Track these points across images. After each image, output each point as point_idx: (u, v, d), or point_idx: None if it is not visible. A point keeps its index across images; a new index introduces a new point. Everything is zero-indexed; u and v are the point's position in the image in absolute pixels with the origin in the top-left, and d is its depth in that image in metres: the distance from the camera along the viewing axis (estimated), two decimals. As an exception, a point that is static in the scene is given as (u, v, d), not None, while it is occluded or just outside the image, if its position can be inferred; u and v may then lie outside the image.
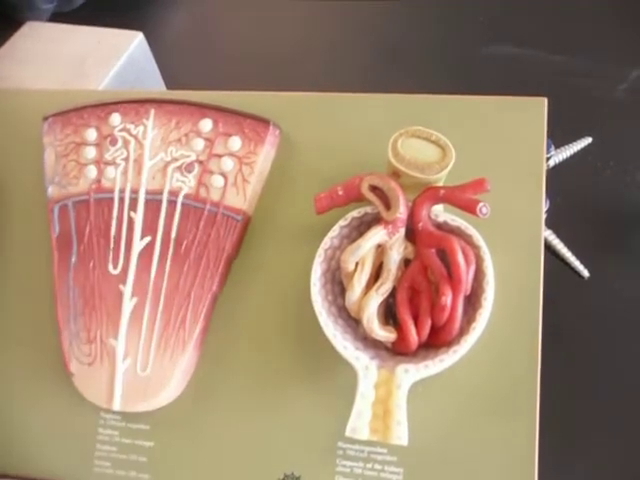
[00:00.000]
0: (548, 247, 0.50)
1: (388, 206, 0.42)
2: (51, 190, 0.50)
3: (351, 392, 0.41)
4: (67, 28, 0.61)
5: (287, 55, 0.76)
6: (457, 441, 0.43)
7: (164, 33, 0.79)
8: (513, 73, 0.63)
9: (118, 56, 0.59)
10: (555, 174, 0.52)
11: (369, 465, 0.44)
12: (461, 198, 0.41)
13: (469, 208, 0.41)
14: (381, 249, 0.43)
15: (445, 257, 0.41)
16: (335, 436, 0.44)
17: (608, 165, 0.58)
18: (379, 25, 0.79)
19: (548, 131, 0.48)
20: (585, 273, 0.49)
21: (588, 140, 0.57)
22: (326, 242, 0.43)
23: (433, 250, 0.42)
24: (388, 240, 0.42)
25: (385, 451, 0.44)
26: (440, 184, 0.43)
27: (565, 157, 0.56)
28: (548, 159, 0.54)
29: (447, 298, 0.40)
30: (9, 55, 0.61)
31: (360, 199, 0.43)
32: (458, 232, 0.42)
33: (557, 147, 0.57)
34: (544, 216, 0.47)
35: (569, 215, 0.54)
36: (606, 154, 0.58)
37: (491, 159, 0.46)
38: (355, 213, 0.44)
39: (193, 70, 0.70)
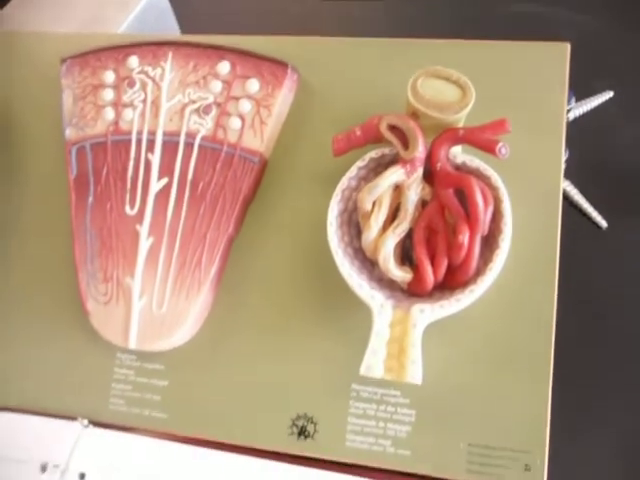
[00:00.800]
0: (566, 198, 0.50)
1: (406, 145, 0.41)
2: (69, 132, 0.50)
3: (366, 335, 0.41)
4: (85, -26, 0.61)
5: (308, 5, 0.75)
6: (470, 385, 0.43)
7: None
8: (537, 31, 0.61)
9: (137, 1, 0.59)
10: (575, 128, 0.51)
11: (382, 407, 0.44)
12: (480, 138, 0.41)
13: (488, 148, 0.40)
14: (398, 191, 0.43)
15: (463, 199, 0.41)
16: (349, 378, 0.45)
17: (628, 120, 0.57)
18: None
19: (570, 84, 0.47)
20: (603, 223, 0.48)
21: (609, 94, 0.57)
22: (343, 182, 0.43)
23: (451, 190, 0.41)
24: (406, 180, 0.41)
25: (398, 393, 0.44)
26: (459, 125, 0.42)
27: (585, 111, 0.56)
28: (568, 111, 0.53)
29: (464, 236, 0.40)
30: (25, 1, 0.61)
31: (378, 140, 0.43)
32: (477, 173, 0.42)
33: (577, 101, 0.56)
34: (564, 164, 0.47)
35: (587, 169, 0.54)
36: (626, 109, 0.58)
37: (512, 103, 0.46)
38: (373, 154, 0.43)
39: (210, 17, 0.70)
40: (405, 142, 0.42)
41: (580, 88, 0.55)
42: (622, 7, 0.68)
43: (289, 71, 0.48)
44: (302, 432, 0.44)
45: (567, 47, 0.46)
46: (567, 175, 0.49)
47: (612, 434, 0.43)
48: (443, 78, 0.42)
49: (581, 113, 0.55)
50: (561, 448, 0.41)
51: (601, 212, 0.49)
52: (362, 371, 0.41)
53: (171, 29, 0.65)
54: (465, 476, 0.42)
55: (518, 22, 0.56)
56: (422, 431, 0.43)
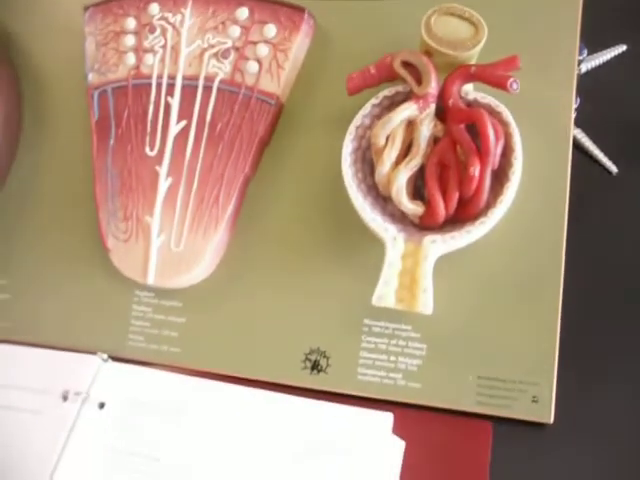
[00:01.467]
0: (576, 145, 0.51)
1: (420, 82, 0.42)
2: (91, 77, 0.52)
3: (379, 271, 0.42)
4: None
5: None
6: (479, 318, 0.44)
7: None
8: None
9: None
10: (587, 80, 0.52)
11: (393, 341, 0.45)
12: (492, 74, 0.42)
13: (500, 83, 0.41)
14: (411, 127, 0.43)
15: (474, 136, 0.42)
16: (361, 313, 0.45)
17: (640, 73, 0.57)
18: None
19: (581, 38, 0.48)
20: (613, 168, 0.49)
21: (622, 48, 0.57)
22: (357, 119, 0.44)
23: (462, 126, 0.42)
24: (419, 115, 0.42)
25: (409, 327, 0.45)
26: (472, 63, 0.43)
27: (598, 64, 0.56)
28: (580, 63, 0.54)
29: (475, 169, 0.41)
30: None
31: (392, 78, 0.44)
32: (488, 109, 0.43)
33: (590, 54, 0.57)
34: (574, 113, 0.47)
35: (599, 119, 0.54)
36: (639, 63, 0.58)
37: (523, 45, 0.46)
38: (386, 92, 0.44)
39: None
40: (418, 78, 0.43)
41: (592, 43, 0.56)
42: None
43: (306, 16, 0.49)
44: (315, 366, 0.46)
45: (579, -8, 0.47)
46: (578, 124, 0.50)
47: (622, 370, 0.43)
48: (456, 15, 0.43)
49: (593, 66, 0.56)
50: (570, 380, 0.42)
51: (611, 159, 0.50)
52: (374, 301, 0.42)
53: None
54: (474, 408, 0.42)
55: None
56: (432, 364, 0.44)
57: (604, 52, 0.57)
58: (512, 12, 0.48)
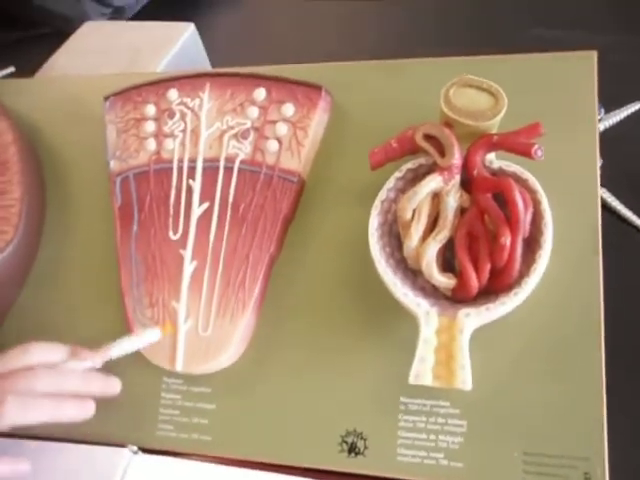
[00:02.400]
0: (603, 205, 0.50)
1: (443, 154, 0.42)
2: (113, 164, 0.52)
3: (412, 347, 0.41)
4: (123, 24, 0.65)
5: (335, 51, 0.78)
6: (520, 391, 0.42)
7: (215, 26, 0.82)
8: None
9: (171, 45, 0.62)
10: (604, 139, 0.52)
11: (432, 419, 0.43)
12: (515, 142, 0.41)
13: (524, 151, 0.41)
14: (437, 200, 0.43)
15: (501, 204, 0.41)
16: (397, 391, 0.44)
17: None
18: (426, 5, 0.81)
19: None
20: (643, 226, 0.48)
21: (638, 105, 0.57)
22: (382, 194, 0.44)
23: (489, 195, 0.42)
24: (444, 187, 0.42)
25: (448, 404, 0.43)
26: (493, 132, 0.43)
27: (615, 122, 0.56)
28: (598, 122, 0.53)
29: (506, 238, 0.40)
30: (70, 50, 0.64)
31: (414, 151, 0.44)
32: (514, 177, 0.42)
33: (607, 112, 0.57)
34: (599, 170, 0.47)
35: (622, 177, 0.54)
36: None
37: (543, 113, 0.46)
38: (410, 165, 0.44)
39: (241, 58, 0.73)
40: (441, 150, 0.42)
41: (608, 102, 0.56)
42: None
43: (323, 93, 0.49)
44: (352, 449, 0.44)
45: (594, 55, 0.47)
46: (602, 183, 0.50)
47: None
48: (474, 87, 0.43)
49: (611, 124, 0.56)
50: (624, 454, 0.40)
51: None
52: (411, 380, 0.40)
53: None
54: (523, 486, 0.41)
55: (537, 46, 0.57)
56: (474, 442, 0.42)
57: (621, 110, 0.58)
58: (528, 83, 0.48)
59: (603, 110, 0.53)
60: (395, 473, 0.43)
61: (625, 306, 0.44)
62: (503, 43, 0.62)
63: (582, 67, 0.47)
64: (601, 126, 0.55)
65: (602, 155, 0.49)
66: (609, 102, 0.58)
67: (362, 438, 0.44)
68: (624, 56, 0.65)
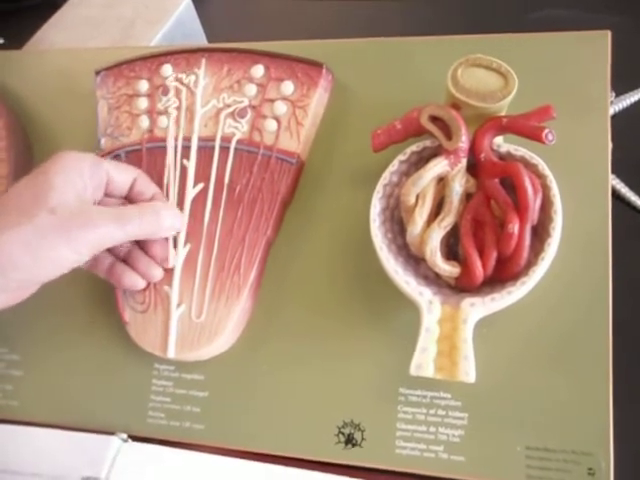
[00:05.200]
0: (613, 191, 0.48)
1: (449, 136, 0.40)
2: (104, 142, 0.50)
3: (413, 337, 0.39)
4: (116, -5, 0.62)
5: (337, 27, 0.75)
6: (523, 383, 0.41)
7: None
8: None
9: (166, 18, 0.60)
10: (614, 123, 0.50)
11: (432, 411, 0.42)
12: (525, 125, 0.40)
13: (534, 135, 0.39)
14: (442, 184, 0.41)
15: (509, 190, 0.40)
16: (396, 382, 0.43)
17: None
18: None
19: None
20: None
21: (649, 88, 0.55)
22: (385, 177, 0.42)
23: (497, 180, 0.40)
24: (450, 171, 0.40)
25: (449, 395, 0.42)
26: (502, 114, 0.41)
27: (625, 105, 0.55)
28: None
29: (514, 226, 0.38)
30: (60, 22, 0.62)
31: (419, 133, 0.42)
32: (523, 162, 0.40)
33: (617, 96, 0.55)
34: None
35: (632, 163, 0.52)
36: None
37: (554, 93, 0.45)
38: (414, 147, 0.42)
39: (238, 34, 0.70)
40: (447, 133, 0.40)
41: (618, 85, 0.54)
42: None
43: (324, 71, 0.47)
44: (349, 440, 0.43)
45: (607, 35, 0.45)
46: (612, 169, 0.48)
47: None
48: (483, 67, 0.41)
49: (621, 108, 0.54)
50: (629, 449, 0.39)
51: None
52: (412, 371, 0.39)
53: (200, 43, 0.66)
54: (525, 482, 0.39)
55: (546, 27, 0.55)
56: (476, 435, 0.41)
57: (631, 93, 0.56)
58: (539, 62, 0.46)
59: (614, 93, 0.51)
60: (393, 465, 0.41)
61: (635, 296, 0.43)
62: (508, 25, 0.60)
63: (595, 47, 0.45)
64: (611, 110, 0.53)
65: (611, 140, 0.47)
66: (618, 85, 0.56)
67: (360, 429, 0.43)
68: (634, 38, 0.64)
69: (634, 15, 0.68)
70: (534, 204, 0.39)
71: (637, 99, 0.55)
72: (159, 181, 0.48)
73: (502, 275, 0.40)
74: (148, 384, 0.47)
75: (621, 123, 0.54)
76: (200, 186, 0.47)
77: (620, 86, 0.57)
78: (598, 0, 0.73)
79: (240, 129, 0.47)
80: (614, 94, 0.51)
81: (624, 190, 0.48)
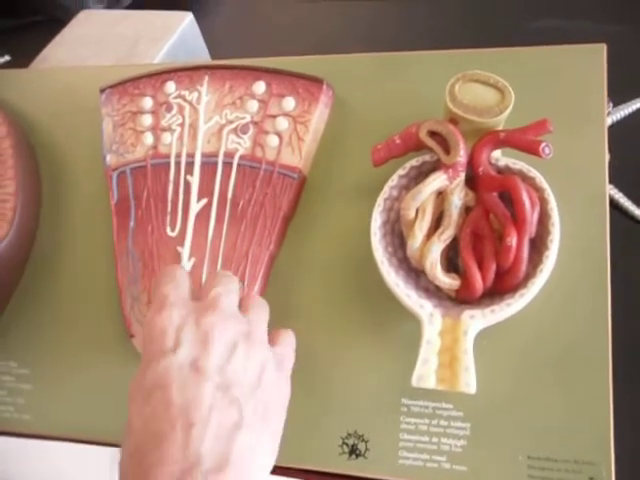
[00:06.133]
0: (611, 201, 0.49)
1: (448, 151, 0.41)
2: (109, 158, 0.51)
3: (414, 348, 0.40)
4: (120, 13, 0.63)
5: (337, 42, 0.76)
6: (525, 394, 0.41)
7: (213, 15, 0.81)
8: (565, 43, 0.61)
9: (169, 35, 0.61)
10: (612, 133, 0.50)
11: (434, 421, 0.42)
12: (522, 139, 0.40)
13: (531, 149, 0.40)
14: (441, 198, 0.42)
15: (507, 203, 0.40)
16: (399, 393, 0.43)
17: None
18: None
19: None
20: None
21: (645, 99, 0.56)
22: (385, 192, 0.43)
23: (495, 194, 0.41)
24: (449, 185, 0.41)
25: (451, 406, 0.42)
26: (500, 129, 0.42)
27: (623, 115, 0.55)
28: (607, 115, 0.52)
29: (512, 239, 0.39)
30: (65, 40, 0.63)
31: (418, 147, 0.43)
32: (520, 175, 0.41)
33: (615, 106, 0.56)
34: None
35: (630, 173, 0.52)
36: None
37: (551, 106, 0.45)
38: (414, 162, 0.43)
39: (241, 49, 0.71)
40: (446, 147, 0.41)
41: (615, 95, 0.55)
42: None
43: (324, 87, 0.48)
44: (353, 451, 0.43)
45: (603, 48, 0.46)
46: (609, 179, 0.48)
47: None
48: (481, 82, 0.42)
49: (619, 118, 0.54)
50: (629, 458, 0.39)
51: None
52: (414, 382, 0.39)
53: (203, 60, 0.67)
54: (527, 491, 0.40)
55: (544, 37, 0.56)
56: (478, 445, 0.41)
57: (628, 104, 0.56)
58: (536, 76, 0.46)
59: (611, 104, 0.52)
60: (396, 476, 0.42)
61: (634, 307, 0.43)
62: (507, 35, 0.61)
63: (591, 60, 0.46)
64: (609, 120, 0.54)
65: (609, 150, 0.48)
66: (615, 95, 0.56)
67: (363, 440, 0.43)
68: (632, 47, 0.64)
69: (633, 25, 0.69)
70: (532, 217, 0.39)
71: (635, 109, 0.55)
72: (163, 197, 0.48)
73: (501, 287, 0.40)
74: (154, 397, 0.47)
75: (619, 132, 0.54)
76: (204, 201, 0.48)
77: (618, 96, 0.58)
78: (598, 10, 0.73)
79: (242, 145, 0.48)
80: (612, 104, 0.51)
81: (622, 200, 0.48)
